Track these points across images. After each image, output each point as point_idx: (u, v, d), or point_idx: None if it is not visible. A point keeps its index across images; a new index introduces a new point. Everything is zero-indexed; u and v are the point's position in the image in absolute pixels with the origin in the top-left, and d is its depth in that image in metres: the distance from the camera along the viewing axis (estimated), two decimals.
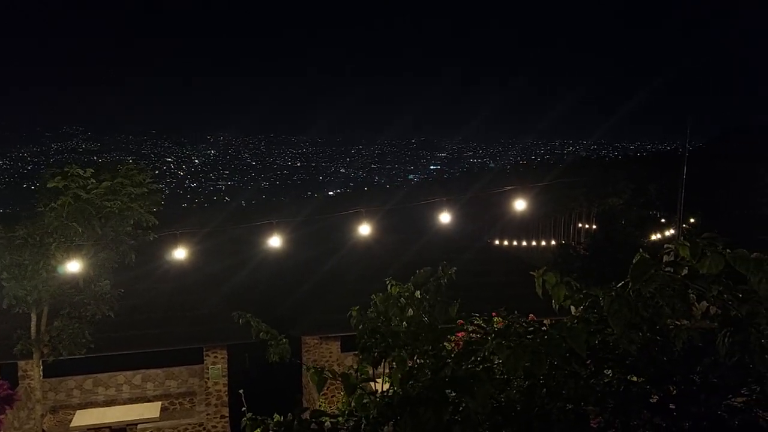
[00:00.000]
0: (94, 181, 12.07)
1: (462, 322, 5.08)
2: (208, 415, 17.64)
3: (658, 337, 2.89)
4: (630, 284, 2.65)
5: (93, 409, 16.82)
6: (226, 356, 17.84)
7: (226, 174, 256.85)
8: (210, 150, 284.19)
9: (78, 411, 16.72)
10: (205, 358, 17.69)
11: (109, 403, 17.25)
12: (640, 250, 2.70)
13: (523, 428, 2.71)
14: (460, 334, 4.10)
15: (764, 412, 2.69)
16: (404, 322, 3.68)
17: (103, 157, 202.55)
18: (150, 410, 16.78)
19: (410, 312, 3.86)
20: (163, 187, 13.39)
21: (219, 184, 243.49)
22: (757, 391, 2.71)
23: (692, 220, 42.50)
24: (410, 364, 3.31)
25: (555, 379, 2.90)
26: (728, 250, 2.56)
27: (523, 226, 76.00)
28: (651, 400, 2.85)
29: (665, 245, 2.91)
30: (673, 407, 2.80)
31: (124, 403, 17.28)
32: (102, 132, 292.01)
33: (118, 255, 12.63)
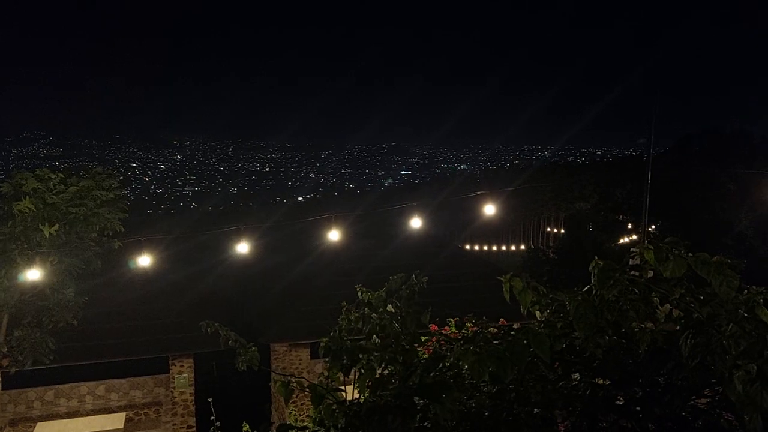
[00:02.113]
0: (63, 186, 11.86)
1: (435, 327, 5.08)
2: (174, 425, 17.36)
3: (623, 340, 2.92)
4: (595, 288, 2.68)
5: (55, 421, 16.42)
6: (193, 365, 17.59)
7: (192, 179, 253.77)
8: (176, 155, 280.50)
9: (39, 423, 16.31)
10: (171, 367, 17.42)
11: (72, 414, 16.85)
12: (596, 257, 2.72)
13: None
14: (431, 340, 4.09)
15: (726, 413, 2.74)
16: (375, 336, 3.65)
17: (66, 163, 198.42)
18: (114, 421, 16.46)
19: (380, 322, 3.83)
20: (128, 193, 13.20)
21: (185, 190, 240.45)
22: (720, 392, 2.76)
23: (657, 224, 43.36)
24: (380, 371, 3.29)
25: (523, 383, 2.91)
26: (690, 254, 2.61)
27: (494, 231, 76.72)
28: (617, 402, 2.88)
29: (630, 249, 2.95)
30: (639, 409, 2.83)
31: (87, 415, 16.90)
32: (64, 137, 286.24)
33: (82, 262, 12.38)
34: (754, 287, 2.59)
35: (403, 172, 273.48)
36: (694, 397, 2.82)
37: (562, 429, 2.93)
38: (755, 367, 2.18)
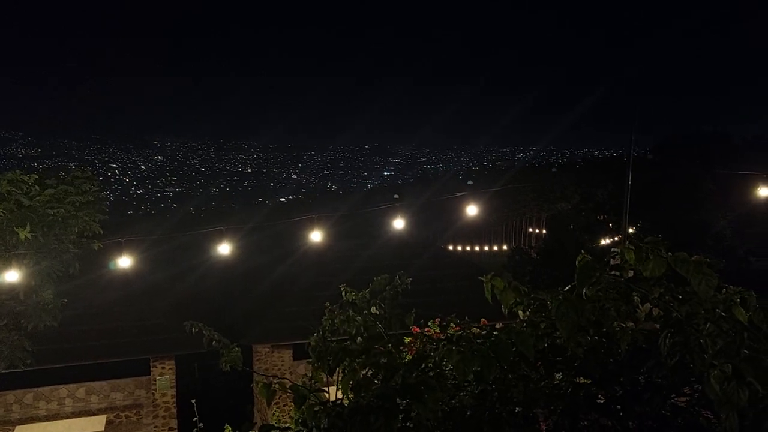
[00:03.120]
0: (37, 187, 11.67)
1: (417, 329, 5.09)
2: (155, 427, 17.22)
3: (604, 340, 2.95)
4: (576, 288, 2.70)
5: (34, 425, 16.21)
6: (174, 367, 17.45)
7: (173, 180, 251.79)
8: (157, 156, 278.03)
9: (18, 427, 16.08)
10: (152, 369, 17.27)
11: (51, 417, 16.63)
12: (582, 251, 2.75)
13: None
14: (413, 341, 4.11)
15: (705, 410, 2.78)
16: (359, 338, 3.65)
17: (45, 163, 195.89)
18: (94, 424, 16.29)
19: (363, 323, 3.83)
20: (107, 194, 13.04)
21: (166, 191, 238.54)
22: (699, 391, 2.79)
23: (637, 225, 43.73)
24: (362, 372, 3.29)
25: (505, 383, 2.93)
26: (670, 254, 2.64)
27: (476, 231, 77.01)
28: (598, 401, 2.90)
29: (611, 249, 2.98)
30: (619, 407, 2.86)
31: (67, 417, 16.70)
32: (43, 137, 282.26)
33: (61, 264, 12.21)
34: (731, 287, 2.63)
35: (386, 173, 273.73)
36: (673, 395, 2.86)
37: (544, 428, 2.95)
38: (730, 366, 2.21)
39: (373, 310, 4.03)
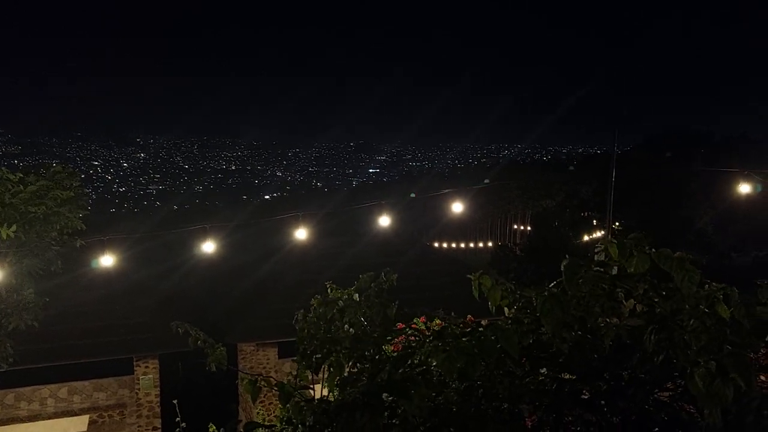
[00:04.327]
0: (21, 186, 11.52)
1: (402, 325, 5.08)
2: (139, 427, 17.10)
3: (589, 336, 2.96)
4: (562, 284, 2.71)
5: (15, 425, 16.03)
6: (158, 366, 17.33)
7: (157, 178, 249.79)
8: (140, 153, 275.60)
9: None
10: (135, 368, 17.13)
11: (33, 418, 16.45)
12: (566, 255, 2.76)
13: (459, 429, 2.72)
14: (400, 338, 4.10)
15: (688, 405, 2.80)
16: (348, 328, 3.64)
17: (25, 161, 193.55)
18: (77, 424, 16.13)
19: (348, 316, 3.82)
20: (90, 192, 12.90)
21: (150, 189, 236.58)
22: (682, 386, 2.81)
23: (621, 221, 44.09)
24: (348, 368, 3.28)
25: (491, 379, 2.93)
26: (654, 250, 2.66)
27: (461, 228, 77.26)
28: (583, 397, 2.92)
29: (596, 245, 2.99)
30: (603, 403, 2.88)
31: (49, 418, 16.53)
32: (24, 134, 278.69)
33: (43, 262, 12.05)
34: (714, 283, 2.65)
35: (371, 170, 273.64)
36: (657, 390, 2.88)
37: (529, 423, 2.96)
38: (715, 364, 2.23)
39: (356, 297, 4.03)
